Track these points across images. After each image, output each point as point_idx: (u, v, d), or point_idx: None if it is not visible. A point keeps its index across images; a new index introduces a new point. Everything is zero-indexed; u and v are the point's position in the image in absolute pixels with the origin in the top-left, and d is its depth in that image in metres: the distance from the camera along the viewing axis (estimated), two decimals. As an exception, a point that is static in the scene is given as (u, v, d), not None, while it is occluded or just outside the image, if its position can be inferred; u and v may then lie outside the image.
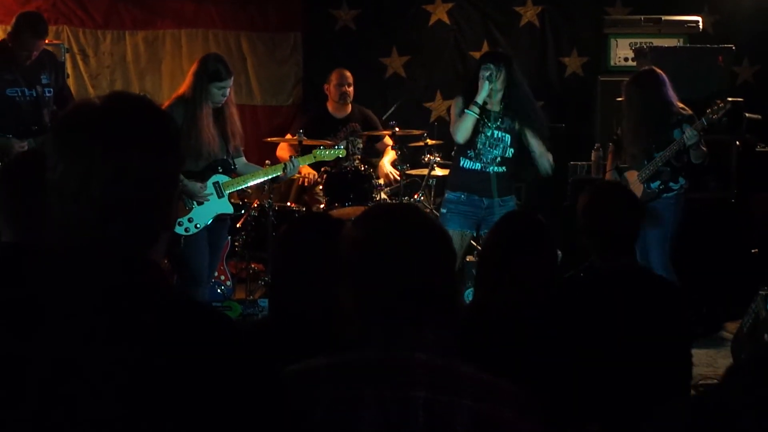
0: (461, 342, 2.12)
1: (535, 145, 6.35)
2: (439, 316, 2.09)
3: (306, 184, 8.44)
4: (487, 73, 6.17)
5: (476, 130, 6.34)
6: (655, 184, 6.67)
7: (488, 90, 6.19)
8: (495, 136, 6.30)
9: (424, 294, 2.07)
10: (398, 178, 8.26)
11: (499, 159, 6.34)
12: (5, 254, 2.92)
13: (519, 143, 6.37)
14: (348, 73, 8.68)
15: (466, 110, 6.27)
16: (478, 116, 6.25)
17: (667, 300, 3.60)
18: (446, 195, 6.59)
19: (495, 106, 6.32)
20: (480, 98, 6.22)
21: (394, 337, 2.05)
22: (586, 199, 3.73)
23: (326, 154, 7.19)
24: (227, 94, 6.19)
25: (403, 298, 2.06)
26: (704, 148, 6.60)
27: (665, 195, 6.67)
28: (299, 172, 8.38)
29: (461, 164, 6.43)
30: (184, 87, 6.20)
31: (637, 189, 6.60)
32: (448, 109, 7.14)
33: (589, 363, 3.20)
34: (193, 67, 6.22)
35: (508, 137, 6.34)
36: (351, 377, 2.02)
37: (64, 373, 1.61)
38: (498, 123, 6.29)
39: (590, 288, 3.64)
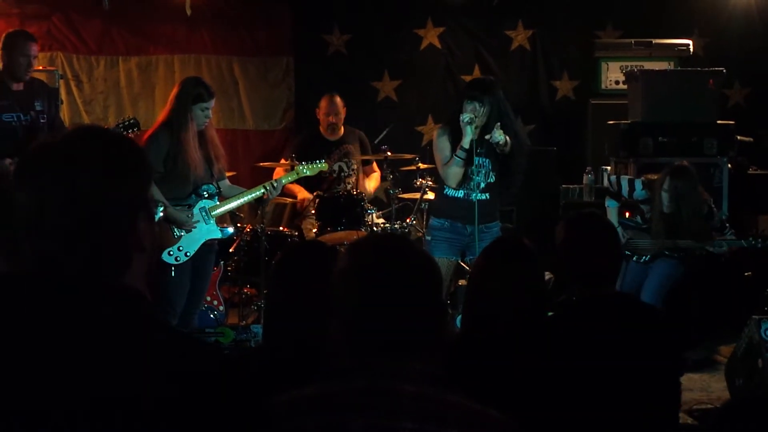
0: (450, 369, 2.12)
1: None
2: (426, 346, 2.10)
3: (300, 207, 8.41)
4: (466, 118, 6.08)
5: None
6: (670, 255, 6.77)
7: (471, 134, 6.09)
8: (476, 162, 6.19)
9: (410, 324, 2.08)
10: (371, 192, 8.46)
11: (482, 185, 6.27)
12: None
13: (501, 167, 6.32)
14: (338, 100, 8.66)
15: (454, 155, 6.19)
16: (465, 159, 6.18)
17: (654, 327, 3.56)
18: (431, 222, 6.55)
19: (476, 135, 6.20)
20: (465, 143, 6.11)
21: (381, 367, 2.05)
22: (564, 235, 3.68)
23: (309, 169, 7.13)
24: (210, 115, 6.21)
25: (389, 328, 2.07)
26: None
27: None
28: (296, 197, 8.38)
29: (445, 191, 6.38)
30: (165, 112, 6.19)
31: (648, 249, 6.69)
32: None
33: (574, 392, 3.18)
34: (174, 92, 6.21)
35: (488, 162, 6.26)
36: (337, 407, 2.03)
37: (36, 408, 1.60)
38: (478, 149, 6.17)
39: (575, 317, 3.59)
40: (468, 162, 6.17)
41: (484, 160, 6.25)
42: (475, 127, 6.10)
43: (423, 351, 2.09)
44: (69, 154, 1.74)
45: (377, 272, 2.12)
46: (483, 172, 6.27)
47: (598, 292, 3.55)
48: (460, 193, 6.29)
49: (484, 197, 6.28)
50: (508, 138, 6.08)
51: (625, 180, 6.97)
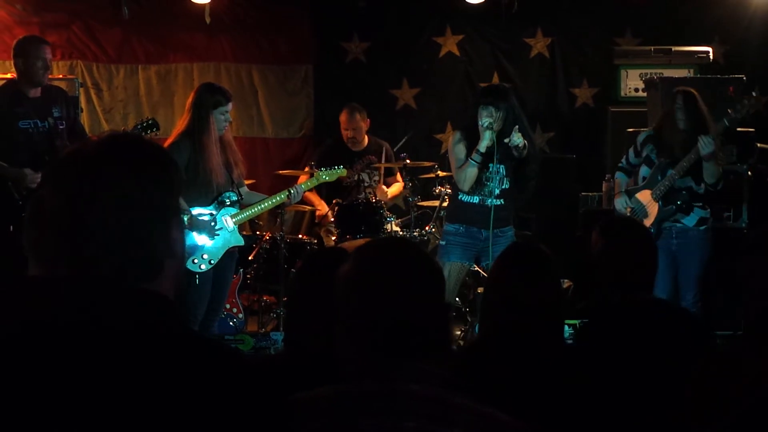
0: (465, 374, 2.13)
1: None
2: (433, 347, 2.12)
3: (318, 219, 8.41)
4: (486, 123, 6.11)
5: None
6: (670, 205, 6.63)
7: (489, 139, 6.11)
8: (491, 168, 6.23)
9: (414, 326, 2.10)
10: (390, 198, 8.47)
11: (497, 191, 6.30)
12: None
13: (515, 173, 6.34)
14: (357, 115, 8.61)
15: (470, 159, 6.21)
16: (480, 164, 6.20)
17: (690, 333, 3.56)
18: (445, 227, 6.56)
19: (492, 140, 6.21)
20: (482, 147, 6.14)
21: (387, 369, 2.07)
22: (601, 239, 3.69)
23: (328, 174, 7.13)
24: (230, 118, 6.26)
25: (393, 330, 2.09)
26: (720, 165, 6.57)
27: (701, 227, 6.66)
28: (319, 207, 8.39)
29: (460, 197, 6.41)
30: (184, 121, 6.18)
31: (653, 208, 6.58)
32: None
33: (595, 397, 3.17)
34: (191, 100, 6.21)
35: (503, 168, 6.28)
36: (347, 408, 2.05)
37: (61, 411, 1.61)
38: (496, 155, 6.20)
39: (607, 322, 3.60)
40: (483, 167, 6.18)
41: (498, 165, 6.27)
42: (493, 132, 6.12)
43: (431, 352, 2.11)
44: (103, 160, 1.73)
45: (377, 275, 2.15)
46: (498, 177, 6.29)
47: (634, 298, 3.56)
48: (475, 199, 6.32)
49: (499, 203, 6.33)
50: (525, 141, 6.11)
51: (630, 148, 6.98)
